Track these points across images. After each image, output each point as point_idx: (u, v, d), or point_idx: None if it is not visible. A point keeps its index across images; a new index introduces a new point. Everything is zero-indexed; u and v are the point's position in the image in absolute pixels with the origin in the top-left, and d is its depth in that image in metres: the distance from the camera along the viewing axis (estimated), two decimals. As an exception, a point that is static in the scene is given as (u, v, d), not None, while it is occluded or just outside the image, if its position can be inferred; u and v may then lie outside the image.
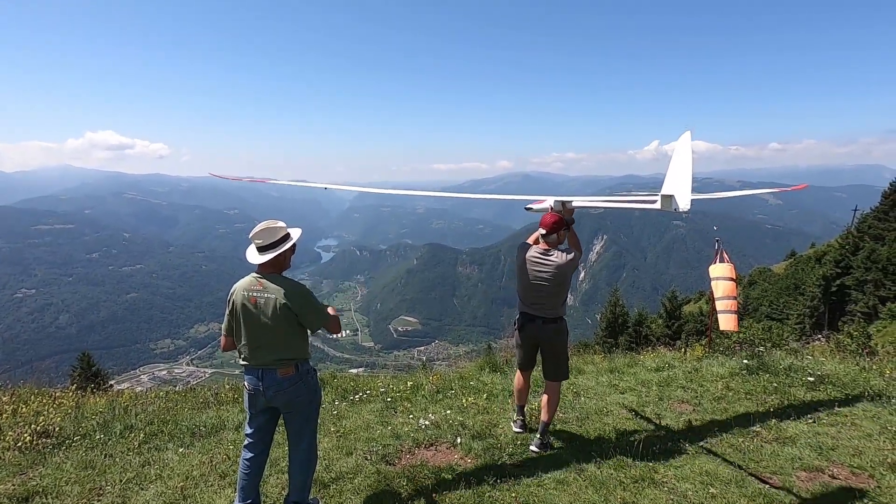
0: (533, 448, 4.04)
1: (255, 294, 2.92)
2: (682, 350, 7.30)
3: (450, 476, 3.63)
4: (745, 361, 5.93)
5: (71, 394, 6.10)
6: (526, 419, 4.44)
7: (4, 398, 5.45)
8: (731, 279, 4.72)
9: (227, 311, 3.01)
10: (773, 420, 4.41)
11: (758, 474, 3.56)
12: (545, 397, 4.11)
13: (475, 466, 3.77)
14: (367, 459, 3.92)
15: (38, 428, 4.45)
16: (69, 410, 5.17)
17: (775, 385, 5.28)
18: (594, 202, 4.36)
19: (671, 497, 3.30)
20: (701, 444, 4.05)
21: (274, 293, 2.90)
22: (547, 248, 3.97)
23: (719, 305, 4.45)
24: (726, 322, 4.24)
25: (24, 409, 5.05)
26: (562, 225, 3.97)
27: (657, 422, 4.57)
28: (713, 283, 4.73)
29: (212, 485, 3.59)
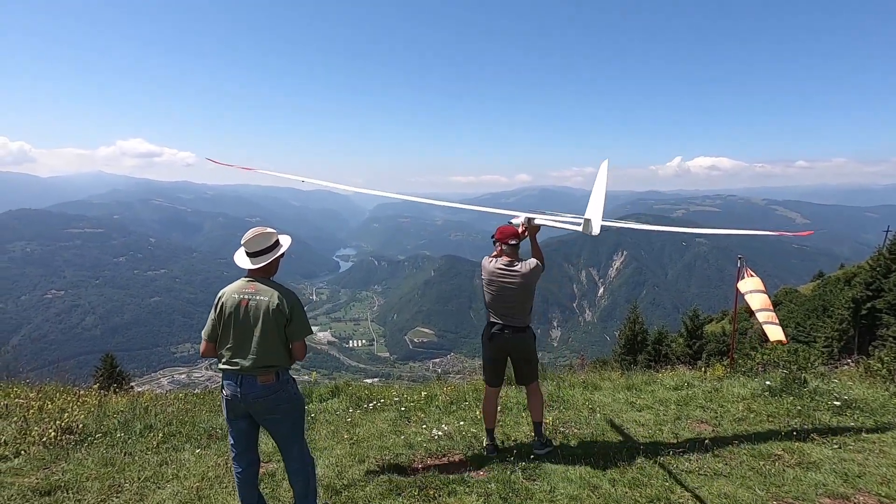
0: (537, 451, 4.13)
1: (246, 296, 2.93)
2: (703, 369, 7.13)
3: (461, 488, 3.61)
4: (768, 383, 5.77)
5: (94, 393, 6.26)
6: (496, 442, 4.32)
7: (31, 395, 5.62)
8: (764, 292, 4.63)
9: (213, 315, 2.97)
10: (797, 444, 4.27)
11: (780, 499, 3.45)
12: (530, 400, 4.27)
13: (487, 479, 3.74)
14: (379, 468, 3.92)
15: (63, 424, 4.58)
16: (92, 409, 5.32)
17: (799, 408, 5.12)
18: (551, 220, 4.48)
19: (688, 519, 3.22)
20: (720, 465, 3.95)
21: (266, 295, 2.92)
22: (510, 259, 4.09)
23: (761, 317, 4.35)
24: (774, 333, 4.13)
25: (49, 406, 5.20)
26: (518, 236, 4.17)
27: (675, 441, 4.47)
28: (747, 297, 4.64)
29: (226, 486, 3.63)
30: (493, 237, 4.22)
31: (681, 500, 3.43)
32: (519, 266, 4.04)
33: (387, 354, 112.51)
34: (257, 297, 2.92)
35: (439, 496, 3.49)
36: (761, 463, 3.96)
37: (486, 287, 4.13)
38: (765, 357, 10.76)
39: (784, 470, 3.84)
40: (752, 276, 4.78)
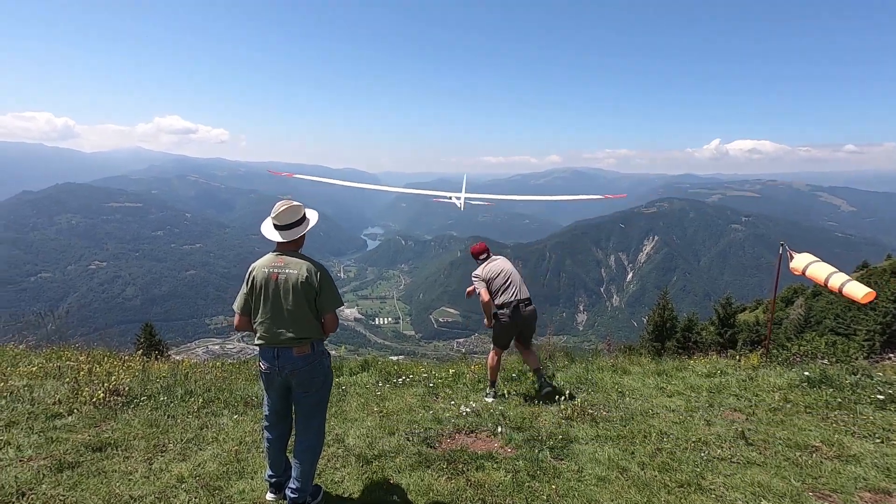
0: (546, 390, 5.04)
1: (276, 270, 2.96)
2: (737, 357, 6.96)
3: (489, 463, 3.66)
4: (807, 373, 5.59)
5: (138, 358, 6.59)
6: (497, 390, 5.33)
7: (81, 358, 5.94)
8: (821, 260, 4.43)
9: (245, 290, 3.02)
10: (836, 436, 4.15)
11: (816, 490, 3.37)
12: (531, 357, 5.31)
13: (515, 456, 3.78)
14: (408, 440, 4.01)
15: (111, 387, 4.82)
16: (137, 373, 5.59)
17: (839, 400, 4.95)
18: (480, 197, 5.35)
19: (719, 505, 3.18)
20: (753, 454, 3.87)
21: (296, 269, 2.95)
22: (490, 260, 5.31)
23: (836, 281, 4.16)
24: (859, 290, 3.92)
25: (98, 369, 5.50)
26: (487, 249, 5.48)
27: (706, 428, 4.40)
28: (809, 270, 4.44)
29: (262, 451, 3.77)
30: (472, 253, 5.48)
31: (712, 487, 3.39)
32: (499, 258, 5.35)
33: (412, 333, 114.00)
34: (287, 271, 2.96)
35: (468, 470, 3.55)
36: (797, 454, 3.87)
37: (498, 282, 5.09)
38: (801, 348, 10.41)
39: (822, 462, 3.74)
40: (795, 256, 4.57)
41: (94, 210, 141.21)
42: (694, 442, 4.07)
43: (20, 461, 3.49)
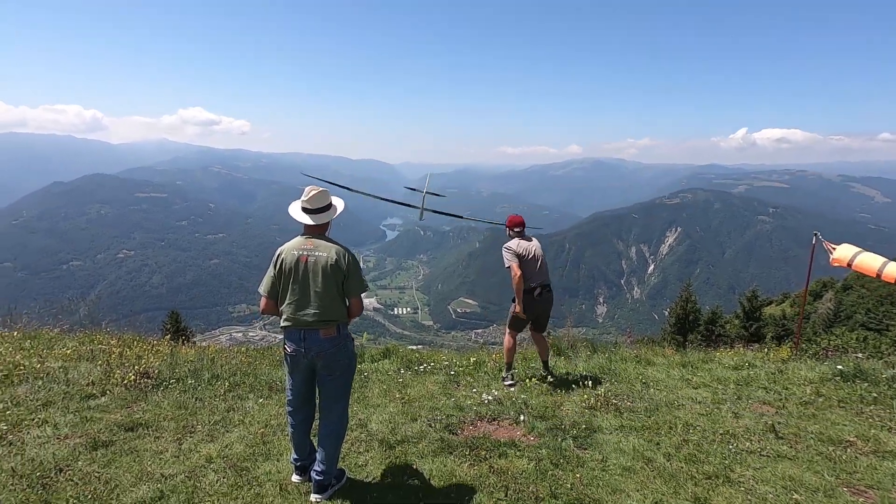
0: (549, 380, 5.15)
1: (305, 252, 2.99)
2: (766, 350, 6.78)
3: (512, 451, 3.65)
4: (840, 367, 5.41)
5: (166, 343, 6.75)
6: (515, 374, 5.39)
7: (112, 342, 6.12)
8: (864, 251, 4.28)
9: (273, 273, 3.02)
10: (872, 431, 4.01)
11: (851, 486, 3.27)
12: (543, 345, 5.39)
13: (538, 445, 3.76)
14: (430, 427, 4.02)
15: (141, 369, 4.96)
16: (165, 357, 5.72)
17: (875, 395, 4.78)
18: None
19: (748, 498, 3.11)
20: (784, 447, 3.77)
21: (325, 251, 2.98)
22: (524, 237, 5.21)
23: (892, 270, 4.01)
24: None
25: (128, 353, 5.65)
26: (524, 224, 5.31)
27: (734, 420, 4.30)
28: (857, 260, 4.27)
29: (287, 434, 3.83)
30: (505, 225, 5.35)
31: (741, 479, 3.32)
32: (532, 240, 5.22)
33: (430, 323, 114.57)
34: (316, 253, 2.99)
35: (490, 457, 3.55)
36: (830, 448, 3.76)
37: (526, 259, 5.02)
38: (832, 342, 10.11)
39: (856, 457, 3.63)
40: (834, 248, 4.39)
41: (122, 200, 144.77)
42: (721, 434, 3.98)
43: (57, 439, 3.62)
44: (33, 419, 3.89)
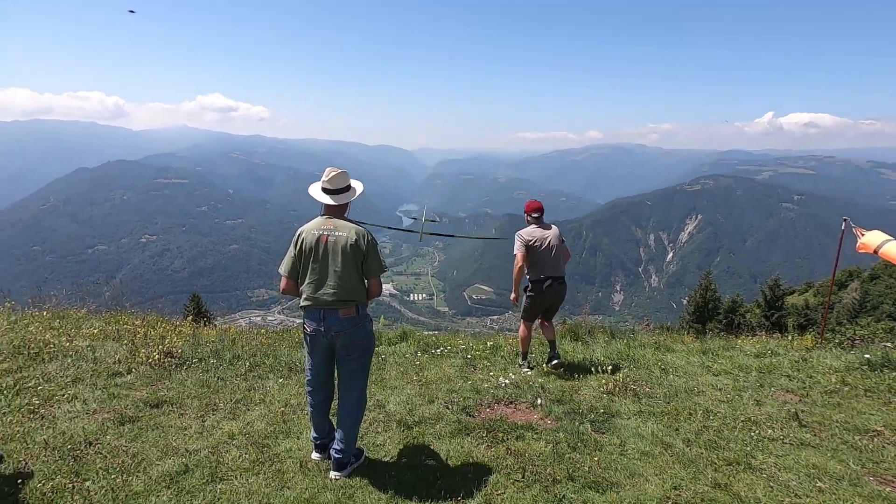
0: (555, 361, 5.03)
1: (325, 232, 3.01)
2: (790, 338, 6.64)
3: (529, 434, 3.65)
4: (867, 356, 5.28)
5: (189, 324, 6.89)
6: (531, 362, 5.35)
7: (137, 322, 6.27)
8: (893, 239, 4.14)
9: (293, 253, 3.04)
10: (900, 421, 3.92)
11: (877, 475, 3.20)
12: (549, 330, 5.22)
13: (555, 428, 3.75)
14: (448, 408, 4.04)
15: (165, 349, 5.08)
16: (188, 338, 5.84)
17: (904, 385, 4.66)
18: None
19: (770, 485, 3.07)
20: (808, 436, 3.71)
21: (345, 231, 3.00)
22: (542, 225, 5.05)
23: None
24: None
25: (152, 333, 5.79)
26: (542, 209, 5.14)
27: (756, 408, 4.24)
28: (885, 247, 4.13)
29: (306, 414, 3.90)
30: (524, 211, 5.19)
31: (762, 466, 3.27)
32: (550, 229, 5.01)
33: (446, 309, 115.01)
34: (336, 233, 3.01)
35: (507, 439, 3.56)
36: (856, 437, 3.68)
37: (538, 250, 4.88)
38: (857, 332, 9.85)
39: (884, 447, 3.55)
40: (864, 233, 4.23)
41: (144, 186, 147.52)
42: (743, 421, 3.93)
43: (87, 414, 3.74)
44: (63, 395, 4.02)
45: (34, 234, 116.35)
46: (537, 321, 5.30)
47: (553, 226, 5.08)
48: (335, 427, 3.22)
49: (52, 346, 5.04)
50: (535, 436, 3.62)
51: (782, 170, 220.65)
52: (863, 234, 4.66)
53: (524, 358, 5.31)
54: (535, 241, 4.89)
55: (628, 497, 2.89)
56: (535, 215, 5.08)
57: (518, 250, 4.88)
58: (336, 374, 3.22)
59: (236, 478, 2.99)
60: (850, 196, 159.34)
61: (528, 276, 5.00)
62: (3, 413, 3.64)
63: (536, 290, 4.96)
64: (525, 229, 5.02)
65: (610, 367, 4.97)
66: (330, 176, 3.10)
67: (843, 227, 5.74)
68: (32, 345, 4.97)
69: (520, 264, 4.85)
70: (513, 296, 5.06)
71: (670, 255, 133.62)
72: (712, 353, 5.84)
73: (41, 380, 4.26)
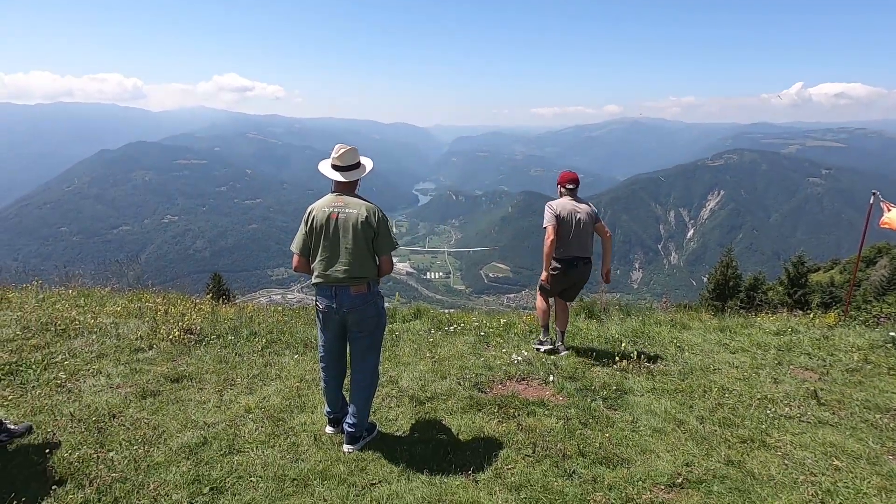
0: (563, 352, 4.84)
1: (336, 209, 3.00)
2: (812, 316, 6.50)
3: (541, 410, 3.66)
4: (893, 334, 5.13)
5: (208, 302, 7.04)
6: (551, 338, 5.03)
7: (158, 300, 6.42)
8: None
9: (304, 230, 3.06)
10: (924, 400, 3.82)
11: (897, 454, 3.14)
12: (564, 315, 4.98)
13: (567, 404, 3.76)
14: (460, 384, 4.07)
15: (184, 326, 5.21)
16: (207, 315, 5.97)
17: (929, 364, 4.54)
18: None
19: (785, 463, 3.03)
20: (826, 414, 3.64)
21: (355, 208, 2.99)
22: (575, 199, 4.70)
23: None
24: None
25: (173, 311, 5.93)
26: (577, 181, 4.76)
27: (773, 386, 4.18)
28: None
29: (320, 388, 3.97)
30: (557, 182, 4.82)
31: (778, 444, 3.23)
32: (584, 204, 4.68)
33: (462, 287, 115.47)
34: (347, 210, 3.00)
35: (519, 415, 3.58)
36: (877, 416, 3.61)
37: (568, 229, 4.57)
38: (885, 310, 9.59)
39: (905, 426, 3.47)
40: (892, 208, 4.07)
41: (165, 167, 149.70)
42: (759, 399, 3.88)
43: (110, 388, 3.87)
44: (88, 369, 4.17)
45: (61, 216, 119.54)
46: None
47: (589, 203, 4.73)
48: (348, 402, 3.27)
49: (77, 322, 5.21)
50: (546, 412, 3.63)
51: (810, 143, 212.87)
52: (889, 210, 4.47)
53: (546, 333, 4.97)
54: (566, 215, 4.54)
55: (639, 473, 2.89)
56: (570, 186, 4.69)
57: (548, 222, 4.51)
58: (349, 351, 3.26)
59: (252, 450, 3.07)
60: (881, 169, 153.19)
61: (553, 253, 4.66)
62: (32, 387, 3.80)
63: (561, 270, 4.65)
64: (557, 200, 4.68)
65: (624, 344, 4.93)
66: (339, 153, 3.08)
67: (871, 201, 5.53)
68: (59, 321, 5.14)
69: (552, 237, 4.48)
70: (544, 275, 4.67)
71: (691, 231, 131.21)
72: (730, 331, 5.75)
73: (67, 355, 4.41)
